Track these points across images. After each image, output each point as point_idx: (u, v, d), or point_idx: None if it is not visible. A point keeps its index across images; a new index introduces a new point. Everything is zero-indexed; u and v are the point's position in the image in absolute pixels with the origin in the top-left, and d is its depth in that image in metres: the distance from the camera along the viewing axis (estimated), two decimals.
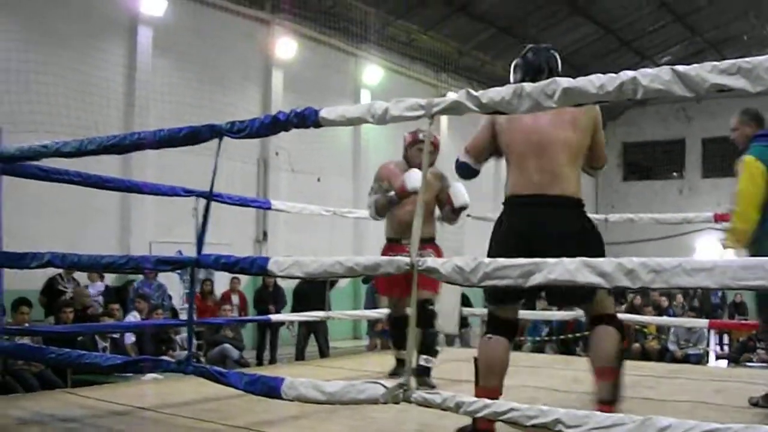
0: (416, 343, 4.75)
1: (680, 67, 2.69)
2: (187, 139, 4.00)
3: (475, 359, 3.74)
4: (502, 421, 2.76)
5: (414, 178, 5.23)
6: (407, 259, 3.06)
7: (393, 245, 5.67)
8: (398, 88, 16.63)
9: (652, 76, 2.70)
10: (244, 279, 13.24)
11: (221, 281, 12.82)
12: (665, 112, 25.80)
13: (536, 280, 2.71)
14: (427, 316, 5.34)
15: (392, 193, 5.52)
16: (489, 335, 3.76)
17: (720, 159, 23.02)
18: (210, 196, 4.22)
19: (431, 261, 3.06)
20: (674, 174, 26.53)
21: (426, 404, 2.94)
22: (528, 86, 2.89)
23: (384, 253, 5.44)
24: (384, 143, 15.80)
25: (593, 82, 2.77)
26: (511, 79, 3.99)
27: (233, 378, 3.52)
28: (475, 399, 2.85)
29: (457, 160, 3.95)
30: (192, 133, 3.94)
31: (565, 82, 2.82)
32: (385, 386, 2.98)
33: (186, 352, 9.46)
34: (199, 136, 3.91)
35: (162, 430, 4.16)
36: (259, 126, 3.62)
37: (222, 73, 14.28)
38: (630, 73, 2.73)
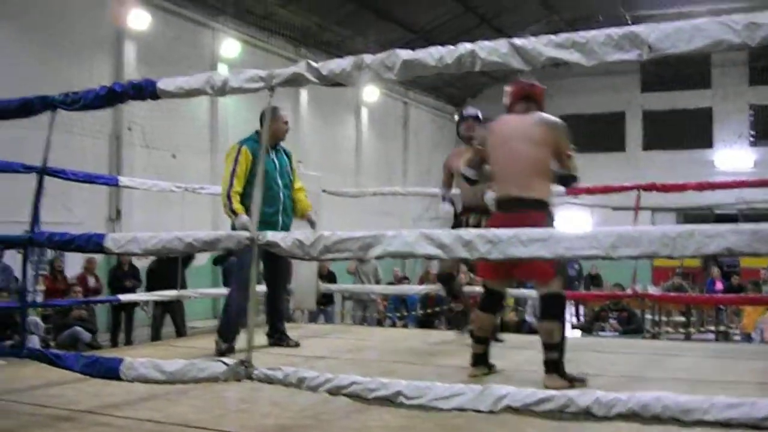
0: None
1: (517, 40, 2.73)
2: (19, 111, 3.82)
3: None
4: (344, 395, 2.74)
5: None
6: (247, 233, 3.01)
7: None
8: (257, 62, 16.40)
9: (490, 49, 2.73)
10: (99, 259, 12.83)
11: (76, 262, 12.38)
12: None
13: (375, 252, 2.70)
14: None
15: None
16: None
17: (582, 136, 23.94)
18: (43, 171, 4.02)
19: (271, 235, 3.01)
20: None
21: (268, 381, 2.91)
22: (368, 58, 2.87)
23: None
24: (242, 119, 15.57)
25: (432, 54, 2.78)
26: None
27: (70, 360, 3.39)
28: (317, 374, 2.83)
29: None
30: (23, 104, 3.77)
31: (404, 53, 2.81)
32: (226, 364, 2.93)
33: (33, 336, 9.13)
34: (30, 108, 3.74)
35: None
36: (94, 97, 3.47)
37: (70, 44, 13.64)
38: (468, 46, 2.75)
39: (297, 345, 6.18)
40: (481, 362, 4.84)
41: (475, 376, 4.72)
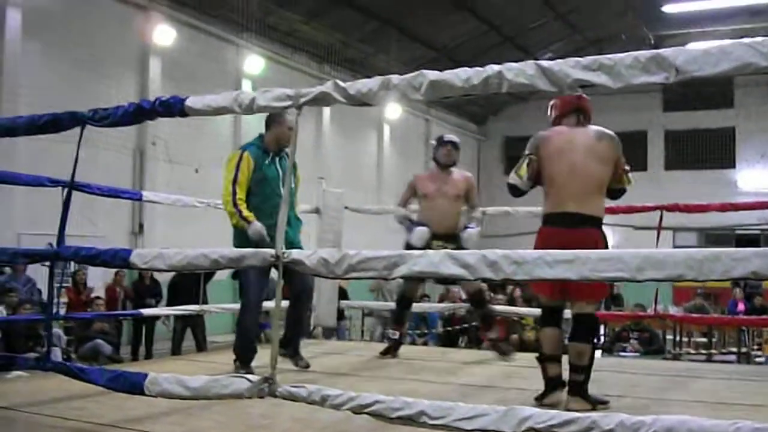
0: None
1: (544, 62, 2.74)
2: (48, 126, 3.87)
3: None
4: (367, 413, 2.74)
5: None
6: (272, 251, 3.02)
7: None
8: (281, 78, 16.47)
9: (517, 71, 2.73)
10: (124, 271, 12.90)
11: (98, 275, 12.45)
12: (547, 107, 26.47)
13: (401, 272, 2.71)
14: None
15: None
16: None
17: None
18: (71, 186, 4.07)
19: (296, 253, 3.02)
20: None
21: (292, 398, 2.91)
22: (395, 78, 2.88)
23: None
24: None
25: (459, 75, 2.79)
26: None
27: (94, 374, 3.41)
28: (341, 392, 2.83)
29: None
30: (52, 120, 3.81)
31: (431, 74, 2.83)
32: (250, 380, 2.94)
33: (55, 348, 9.19)
34: (59, 124, 3.78)
35: (22, 428, 3.99)
36: (122, 114, 3.51)
37: (97, 60, 13.78)
38: (495, 67, 2.76)
39: (307, 366, 5.85)
40: (561, 385, 4.47)
41: (559, 403, 4.33)
